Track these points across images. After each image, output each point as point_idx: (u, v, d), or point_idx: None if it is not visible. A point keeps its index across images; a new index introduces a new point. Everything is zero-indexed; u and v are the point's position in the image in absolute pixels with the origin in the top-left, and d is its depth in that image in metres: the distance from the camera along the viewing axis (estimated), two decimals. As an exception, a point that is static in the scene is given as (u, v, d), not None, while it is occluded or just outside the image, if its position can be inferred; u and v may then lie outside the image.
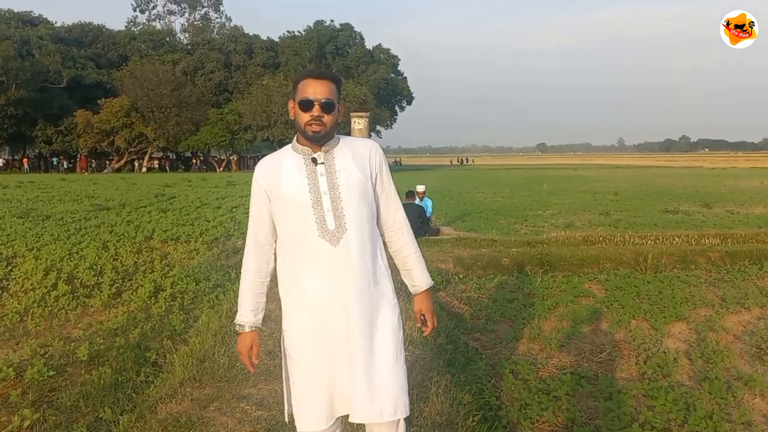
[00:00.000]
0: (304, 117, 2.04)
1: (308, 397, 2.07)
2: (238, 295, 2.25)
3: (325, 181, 2.08)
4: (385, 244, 2.26)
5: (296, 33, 60.74)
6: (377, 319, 2.10)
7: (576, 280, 6.77)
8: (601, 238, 8.95)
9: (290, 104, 2.13)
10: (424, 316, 2.26)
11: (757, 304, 5.87)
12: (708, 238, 8.73)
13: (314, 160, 2.10)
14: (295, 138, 2.19)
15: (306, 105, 2.04)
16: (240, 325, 2.20)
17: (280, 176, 2.10)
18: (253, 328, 2.19)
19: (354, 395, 2.03)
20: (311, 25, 60.17)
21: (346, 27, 59.66)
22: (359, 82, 51.64)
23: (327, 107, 2.04)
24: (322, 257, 2.05)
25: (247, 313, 2.19)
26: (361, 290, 2.06)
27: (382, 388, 2.05)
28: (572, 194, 21.07)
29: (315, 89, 2.03)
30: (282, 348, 2.18)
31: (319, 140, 2.08)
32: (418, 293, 2.28)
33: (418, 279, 2.27)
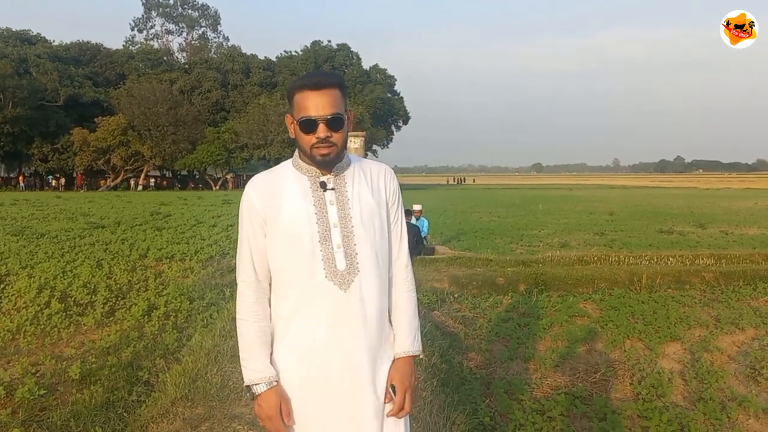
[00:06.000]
0: (308, 139, 1.68)
1: None
2: (241, 349, 1.78)
3: (336, 210, 1.74)
4: None
5: (293, 53, 61.32)
6: (383, 380, 1.78)
7: (571, 300, 6.77)
8: (596, 258, 8.96)
9: (288, 120, 1.76)
10: (393, 387, 1.78)
11: (751, 325, 5.87)
12: (702, 259, 8.75)
13: (323, 185, 1.75)
14: (296, 152, 1.81)
15: (308, 126, 1.66)
16: (256, 384, 1.72)
17: (280, 200, 1.73)
18: (273, 384, 1.73)
19: None
20: (308, 45, 60.77)
21: (343, 47, 60.21)
22: (356, 101, 51.98)
23: (334, 124, 1.67)
24: (327, 303, 1.70)
25: (263, 366, 1.73)
26: (370, 345, 1.74)
27: None
28: (567, 214, 21.13)
29: (316, 103, 1.65)
30: None
31: (330, 164, 1.74)
32: (397, 357, 1.83)
33: (400, 342, 1.84)
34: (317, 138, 1.66)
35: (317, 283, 1.70)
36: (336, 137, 1.68)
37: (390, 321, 1.87)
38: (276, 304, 1.78)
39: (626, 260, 8.83)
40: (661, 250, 10.28)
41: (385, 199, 1.82)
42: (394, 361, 1.83)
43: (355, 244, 1.73)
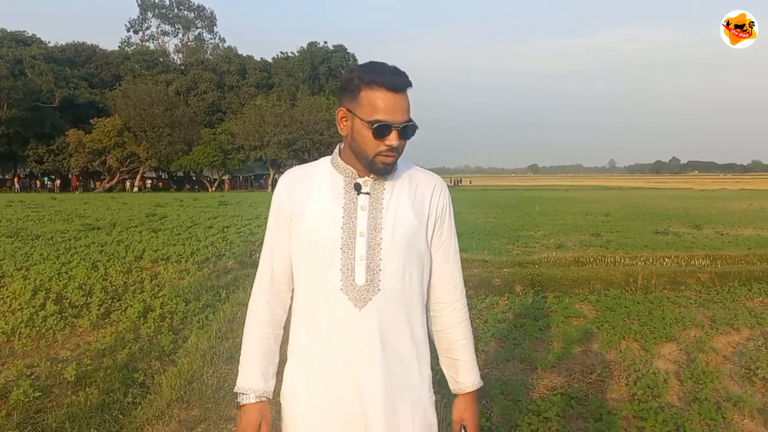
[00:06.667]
0: (376, 144, 1.49)
1: None
2: (241, 353, 1.66)
3: (366, 217, 1.54)
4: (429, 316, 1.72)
5: (290, 54, 61.41)
6: (406, 417, 1.59)
7: (567, 301, 6.77)
8: (591, 259, 8.97)
9: (340, 113, 1.56)
10: (464, 428, 1.68)
11: (747, 325, 5.89)
12: (698, 260, 8.77)
13: (357, 187, 1.56)
14: (336, 150, 1.63)
15: (383, 131, 1.46)
16: (243, 394, 1.60)
17: (308, 197, 1.57)
18: (262, 399, 1.60)
19: None
20: (305, 46, 60.92)
21: (339, 48, 60.38)
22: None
23: (407, 133, 1.51)
24: (339, 320, 1.52)
25: (255, 377, 1.60)
26: (385, 375, 1.54)
27: None
28: (563, 215, 21.15)
29: (394, 106, 1.46)
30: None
31: (388, 174, 1.56)
32: (462, 393, 1.72)
33: (465, 375, 1.71)
34: (387, 146, 1.49)
35: (330, 294, 1.53)
36: (402, 145, 1.53)
37: (440, 357, 1.78)
38: (293, 311, 1.65)
39: (622, 261, 8.85)
40: (657, 251, 10.30)
41: (428, 215, 1.61)
42: (458, 397, 1.73)
43: (380, 259, 1.53)
